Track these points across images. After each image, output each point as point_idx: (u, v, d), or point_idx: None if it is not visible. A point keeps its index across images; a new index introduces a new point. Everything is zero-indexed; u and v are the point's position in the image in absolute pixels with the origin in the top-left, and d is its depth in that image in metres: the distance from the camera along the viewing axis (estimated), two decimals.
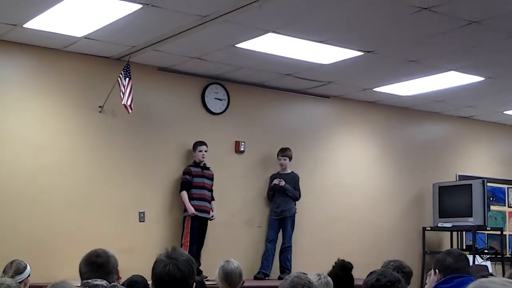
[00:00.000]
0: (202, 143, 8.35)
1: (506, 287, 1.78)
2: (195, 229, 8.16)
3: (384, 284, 3.66)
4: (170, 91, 8.59)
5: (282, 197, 8.93)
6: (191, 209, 8.11)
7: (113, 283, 3.65)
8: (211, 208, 8.38)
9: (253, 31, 6.91)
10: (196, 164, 8.34)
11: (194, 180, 8.26)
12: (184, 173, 8.30)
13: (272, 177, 9.04)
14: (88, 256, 3.79)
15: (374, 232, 9.96)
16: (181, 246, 7.96)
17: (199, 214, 8.19)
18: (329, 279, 4.33)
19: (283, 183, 8.85)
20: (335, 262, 4.68)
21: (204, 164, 8.38)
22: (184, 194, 8.20)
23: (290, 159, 9.03)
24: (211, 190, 8.42)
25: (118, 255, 3.96)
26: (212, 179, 8.43)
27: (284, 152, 9.01)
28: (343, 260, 4.67)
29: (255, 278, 8.62)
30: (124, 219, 8.02)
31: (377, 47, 7.44)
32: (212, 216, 8.38)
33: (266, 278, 8.66)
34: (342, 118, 9.99)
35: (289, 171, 9.05)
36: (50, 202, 7.56)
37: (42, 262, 7.03)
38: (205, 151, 8.33)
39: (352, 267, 4.63)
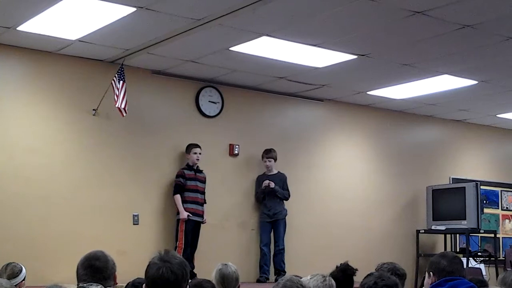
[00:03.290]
0: (196, 145, 8.34)
1: None
2: (189, 232, 8.14)
3: (381, 287, 3.66)
4: (164, 94, 8.59)
5: (272, 199, 8.91)
6: (184, 214, 8.07)
7: None
8: (202, 211, 8.36)
9: (247, 35, 6.92)
10: (189, 167, 8.32)
11: (188, 183, 8.24)
12: (178, 176, 8.27)
13: (259, 178, 9.02)
14: (86, 258, 3.72)
15: (368, 235, 9.98)
16: (175, 249, 7.95)
17: (192, 218, 8.16)
18: (333, 282, 4.28)
19: (272, 184, 8.84)
20: (340, 264, 4.65)
21: (197, 166, 8.37)
22: (178, 197, 8.17)
23: (275, 160, 9.01)
24: (203, 193, 8.40)
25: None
26: (204, 182, 8.41)
27: (269, 154, 9.00)
28: (347, 265, 4.62)
29: (258, 281, 8.66)
30: (118, 222, 8.01)
31: (370, 51, 7.46)
32: (205, 220, 8.36)
33: (267, 282, 8.66)
34: (336, 121, 10.01)
35: (275, 171, 9.03)
36: (43, 205, 7.54)
37: (35, 264, 7.01)
38: (200, 154, 8.32)
39: (353, 273, 4.59)
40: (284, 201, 8.99)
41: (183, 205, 8.13)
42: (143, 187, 8.26)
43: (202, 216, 8.31)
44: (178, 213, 8.20)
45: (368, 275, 3.86)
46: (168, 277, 2.90)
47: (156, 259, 2.95)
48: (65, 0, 6.02)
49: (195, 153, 8.30)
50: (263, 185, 8.87)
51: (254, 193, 9.09)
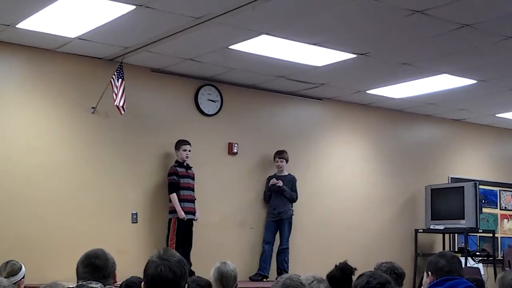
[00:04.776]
0: (186, 142, 8.27)
1: None
2: (181, 231, 8.06)
3: (374, 286, 3.66)
4: (163, 92, 8.58)
5: (279, 198, 8.94)
6: (182, 214, 8.01)
7: (108, 286, 3.64)
8: (195, 208, 8.29)
9: (247, 33, 6.91)
10: (180, 164, 8.23)
11: (181, 181, 8.15)
12: (171, 174, 8.16)
13: (269, 179, 9.04)
14: (86, 256, 3.73)
15: (366, 234, 9.98)
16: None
17: (187, 217, 8.09)
18: (326, 282, 4.30)
19: (281, 183, 8.86)
20: (339, 263, 4.66)
21: (187, 163, 8.30)
22: (175, 196, 8.07)
23: (287, 161, 9.04)
24: (194, 190, 8.31)
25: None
26: (194, 178, 8.33)
27: (281, 154, 9.03)
28: (346, 264, 4.64)
29: (251, 279, 8.62)
30: (116, 220, 8.01)
31: (370, 50, 7.46)
32: (196, 217, 8.26)
33: (264, 280, 8.65)
34: (335, 120, 10.01)
35: (286, 173, 9.06)
36: (42, 203, 7.54)
37: (34, 262, 7.00)
38: (189, 151, 8.25)
39: (352, 272, 4.60)
40: (292, 202, 9.01)
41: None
42: (142, 185, 8.25)
43: (194, 213, 8.25)
44: (170, 212, 8.15)
45: (360, 275, 3.86)
46: (167, 275, 2.90)
47: (155, 257, 2.96)
48: None
49: (185, 150, 8.22)
50: (270, 183, 8.90)
51: (263, 192, 9.11)
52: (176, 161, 8.26)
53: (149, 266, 2.96)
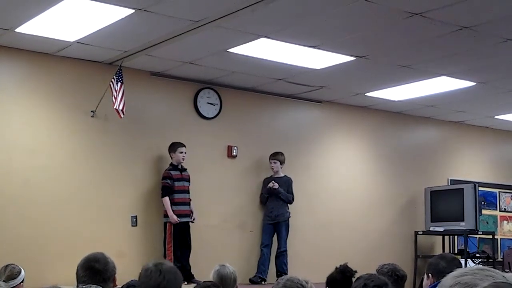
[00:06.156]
0: (182, 144, 8.23)
1: (487, 276, 1.76)
2: (178, 234, 8.03)
3: None
4: (163, 95, 8.59)
5: (275, 201, 8.94)
6: (174, 218, 7.96)
7: None
8: (191, 210, 8.26)
9: (246, 36, 6.92)
10: (174, 166, 8.18)
11: (176, 184, 8.11)
12: (164, 177, 8.11)
13: (265, 181, 9.05)
14: (86, 260, 3.74)
15: (366, 236, 9.98)
16: (165, 252, 7.92)
17: (181, 220, 8.06)
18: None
19: (276, 185, 8.87)
20: (340, 265, 4.66)
21: (182, 165, 8.27)
22: (167, 200, 8.02)
23: (282, 163, 9.03)
24: (189, 192, 8.27)
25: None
26: (189, 180, 8.29)
27: (275, 156, 9.03)
28: (346, 266, 4.64)
29: (251, 281, 8.61)
30: (116, 224, 8.00)
31: (369, 52, 7.47)
32: (194, 219, 8.25)
33: (263, 283, 8.65)
34: (334, 123, 10.02)
35: (281, 175, 9.06)
36: (42, 206, 7.54)
37: (33, 266, 7.00)
38: (185, 153, 8.22)
39: (351, 274, 4.60)
40: (288, 204, 9.01)
41: (172, 207, 8.02)
42: (142, 188, 8.25)
43: (189, 215, 8.21)
44: (165, 216, 8.12)
45: (358, 278, 3.87)
46: (155, 279, 2.96)
47: (150, 263, 3.02)
48: (64, 1, 6.02)
49: (181, 152, 8.17)
50: (268, 186, 8.90)
51: (260, 194, 9.11)
52: (171, 164, 8.22)
53: (141, 270, 3.04)
